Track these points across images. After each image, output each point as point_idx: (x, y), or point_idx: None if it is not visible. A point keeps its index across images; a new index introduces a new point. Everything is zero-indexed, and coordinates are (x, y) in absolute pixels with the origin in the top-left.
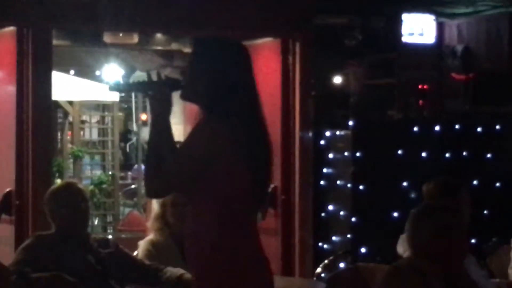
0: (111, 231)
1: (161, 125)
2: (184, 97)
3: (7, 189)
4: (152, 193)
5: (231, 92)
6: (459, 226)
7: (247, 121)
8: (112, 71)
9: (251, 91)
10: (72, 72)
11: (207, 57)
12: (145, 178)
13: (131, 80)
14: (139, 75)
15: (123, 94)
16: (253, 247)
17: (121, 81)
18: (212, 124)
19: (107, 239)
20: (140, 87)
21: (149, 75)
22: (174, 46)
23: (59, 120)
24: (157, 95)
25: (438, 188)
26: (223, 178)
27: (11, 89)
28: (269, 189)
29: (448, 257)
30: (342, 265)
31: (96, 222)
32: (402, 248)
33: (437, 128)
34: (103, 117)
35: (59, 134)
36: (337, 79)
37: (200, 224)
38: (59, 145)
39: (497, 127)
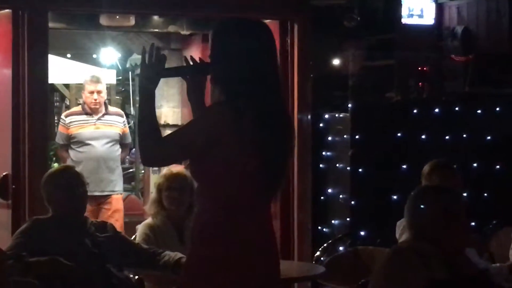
0: None
1: (194, 107)
2: (212, 81)
3: (4, 173)
4: (149, 161)
5: (250, 75)
6: (458, 208)
7: (263, 106)
8: (109, 54)
9: (272, 75)
10: (68, 55)
11: (227, 39)
12: (145, 145)
13: (128, 63)
14: (136, 58)
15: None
16: (251, 234)
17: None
18: (220, 107)
19: (105, 223)
20: (176, 71)
21: (186, 59)
22: (171, 28)
23: (56, 104)
24: (189, 79)
25: (430, 169)
26: (221, 162)
27: (7, 72)
28: (286, 174)
29: (447, 239)
30: (341, 248)
31: None
32: (399, 234)
33: (436, 110)
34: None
35: (55, 117)
36: (336, 61)
37: (199, 202)
38: (56, 129)
39: (497, 108)
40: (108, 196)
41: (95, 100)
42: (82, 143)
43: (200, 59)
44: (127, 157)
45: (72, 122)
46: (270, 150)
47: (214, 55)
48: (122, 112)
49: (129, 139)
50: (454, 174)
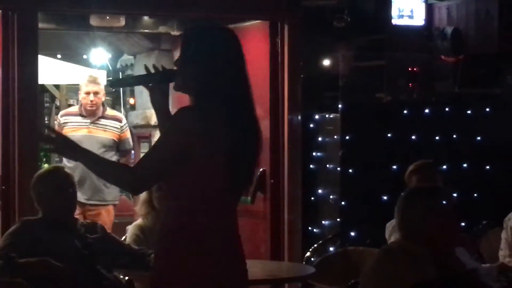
0: None
1: (161, 115)
2: (177, 88)
3: None
4: (137, 191)
5: (219, 81)
6: (447, 209)
7: (231, 111)
8: (99, 55)
9: (239, 80)
10: (58, 56)
11: (195, 45)
12: (120, 181)
13: (118, 64)
14: (127, 59)
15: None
16: (221, 239)
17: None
18: (188, 113)
19: (95, 224)
20: (139, 80)
21: (147, 68)
22: (162, 29)
23: (46, 105)
24: (153, 87)
25: (411, 170)
26: (195, 168)
27: None
28: (254, 179)
29: (437, 239)
30: (331, 249)
31: None
32: (388, 234)
33: (426, 110)
34: (90, 101)
35: (46, 118)
36: (326, 62)
37: (170, 209)
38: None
39: (487, 109)
40: (97, 207)
41: (91, 101)
42: None
43: (162, 66)
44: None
45: (66, 123)
46: (238, 154)
47: (182, 61)
48: (122, 117)
49: (128, 145)
50: (433, 175)
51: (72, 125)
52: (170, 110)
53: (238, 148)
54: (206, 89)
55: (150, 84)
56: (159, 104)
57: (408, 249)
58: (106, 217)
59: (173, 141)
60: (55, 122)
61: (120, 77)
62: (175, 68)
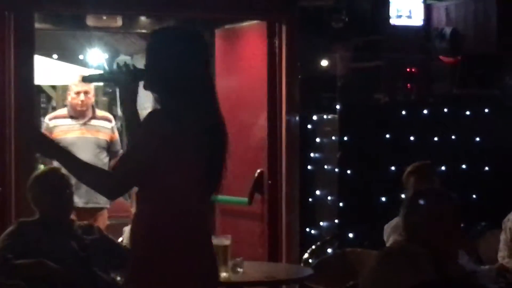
0: None
1: (128, 113)
2: (146, 87)
3: None
4: (113, 195)
5: (184, 82)
6: (451, 212)
7: (198, 112)
8: (96, 55)
9: (205, 81)
10: (55, 56)
11: (162, 46)
12: (96, 183)
13: (115, 64)
14: (123, 59)
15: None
16: (198, 235)
17: (98, 71)
18: (159, 115)
19: (92, 226)
20: (109, 77)
21: (118, 65)
22: None
23: (42, 105)
24: (123, 86)
25: (408, 171)
26: (169, 168)
27: None
28: (222, 178)
29: (439, 242)
30: (329, 250)
31: None
32: (387, 236)
33: (425, 111)
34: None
35: (42, 119)
36: (324, 62)
37: (144, 210)
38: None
39: (486, 110)
40: (93, 211)
41: (82, 101)
42: None
43: (133, 65)
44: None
45: (56, 126)
46: (210, 154)
47: (148, 61)
48: (111, 117)
49: (118, 146)
50: (430, 176)
51: (63, 128)
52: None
53: (208, 148)
54: (171, 89)
55: (119, 82)
56: (127, 102)
57: (408, 250)
58: (102, 222)
59: (146, 145)
60: (44, 126)
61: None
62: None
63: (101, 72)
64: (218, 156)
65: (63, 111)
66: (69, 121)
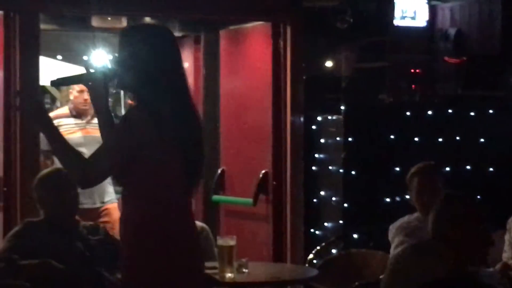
0: None
1: (100, 113)
2: (118, 85)
3: None
4: (84, 183)
5: (157, 78)
6: (475, 216)
7: (174, 106)
8: (100, 56)
9: (178, 76)
10: (59, 57)
11: (133, 44)
12: (73, 168)
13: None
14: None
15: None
16: (183, 230)
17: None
18: (137, 112)
19: (97, 226)
20: (78, 79)
21: (86, 67)
22: None
23: (47, 106)
24: (94, 86)
25: (412, 172)
26: (151, 164)
27: None
28: (202, 170)
29: (463, 243)
30: (334, 251)
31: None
32: (391, 237)
33: (429, 112)
34: (84, 100)
35: None
36: (328, 63)
37: (129, 208)
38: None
39: (490, 111)
40: (102, 207)
41: (85, 100)
42: None
43: (103, 65)
44: None
45: (60, 126)
46: (189, 148)
47: (119, 60)
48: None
49: None
50: (434, 177)
51: (66, 127)
52: None
53: (186, 140)
54: (146, 85)
55: (90, 83)
56: (99, 102)
57: (436, 248)
58: (116, 214)
59: (126, 140)
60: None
61: (62, 76)
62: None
63: (72, 76)
64: (196, 148)
65: (65, 109)
66: (72, 120)
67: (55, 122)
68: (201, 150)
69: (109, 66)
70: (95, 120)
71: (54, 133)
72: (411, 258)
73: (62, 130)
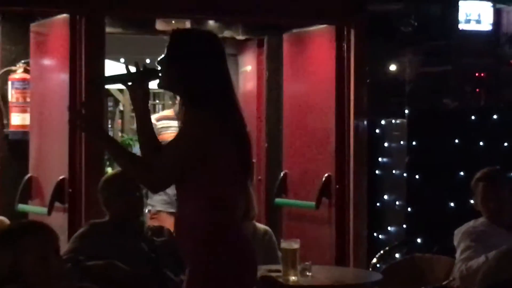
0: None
1: (141, 114)
2: (160, 85)
3: (60, 177)
4: (155, 188)
5: (208, 80)
6: None
7: (228, 108)
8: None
9: (226, 78)
10: (122, 60)
11: (183, 47)
12: (140, 176)
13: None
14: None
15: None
16: (239, 228)
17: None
18: (201, 114)
19: (161, 228)
20: (119, 79)
21: (127, 67)
22: (227, 33)
23: (110, 108)
24: (134, 86)
25: (477, 177)
26: (218, 164)
27: (64, 77)
28: (253, 166)
29: None
30: (397, 255)
31: (146, 210)
32: (457, 242)
33: (494, 116)
34: (153, 105)
35: (109, 122)
36: (392, 67)
37: (191, 209)
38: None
39: None
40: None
41: None
42: None
43: (143, 66)
44: None
45: (167, 127)
46: (243, 147)
47: (169, 61)
48: None
49: None
50: (500, 182)
51: (174, 129)
52: None
53: (241, 141)
54: (195, 90)
55: (129, 83)
56: (140, 102)
57: None
58: (163, 218)
59: (193, 142)
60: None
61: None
62: (155, 67)
63: (112, 75)
64: (249, 149)
65: (169, 111)
66: (176, 123)
67: (160, 123)
68: (251, 153)
69: (149, 67)
70: None
71: (112, 145)
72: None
73: (169, 131)
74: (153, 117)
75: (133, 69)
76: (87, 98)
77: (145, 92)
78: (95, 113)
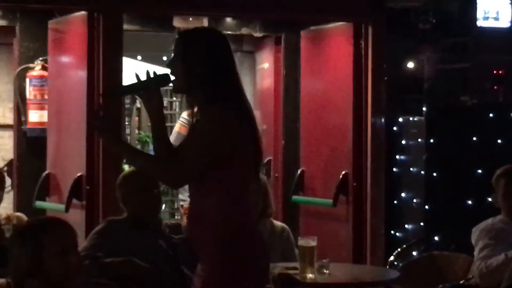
0: (179, 217)
1: (155, 121)
2: (176, 90)
3: (78, 174)
4: (175, 185)
5: (221, 75)
6: None
7: (241, 102)
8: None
9: (236, 76)
10: (139, 57)
11: (194, 47)
12: (161, 173)
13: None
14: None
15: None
16: (252, 222)
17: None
18: (218, 109)
19: (179, 225)
20: (131, 89)
21: (137, 76)
22: (244, 30)
23: (127, 106)
24: (146, 94)
25: (498, 174)
26: (239, 158)
27: (82, 74)
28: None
29: None
30: (415, 253)
31: (163, 207)
32: (475, 240)
33: None
34: (170, 103)
35: (126, 119)
36: (410, 64)
37: (209, 204)
38: (126, 131)
39: None
40: None
41: None
42: None
43: (154, 72)
44: None
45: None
46: (257, 142)
47: (183, 62)
48: None
49: None
50: None
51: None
52: None
53: (255, 136)
54: (212, 88)
55: (141, 92)
56: (156, 109)
57: None
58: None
59: (217, 137)
60: (181, 121)
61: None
62: (162, 72)
63: (125, 85)
64: (259, 141)
65: None
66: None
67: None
68: (261, 142)
69: (160, 73)
70: None
71: (128, 148)
72: None
73: None
74: (185, 113)
75: (143, 77)
76: (104, 101)
77: (159, 98)
78: (112, 116)
